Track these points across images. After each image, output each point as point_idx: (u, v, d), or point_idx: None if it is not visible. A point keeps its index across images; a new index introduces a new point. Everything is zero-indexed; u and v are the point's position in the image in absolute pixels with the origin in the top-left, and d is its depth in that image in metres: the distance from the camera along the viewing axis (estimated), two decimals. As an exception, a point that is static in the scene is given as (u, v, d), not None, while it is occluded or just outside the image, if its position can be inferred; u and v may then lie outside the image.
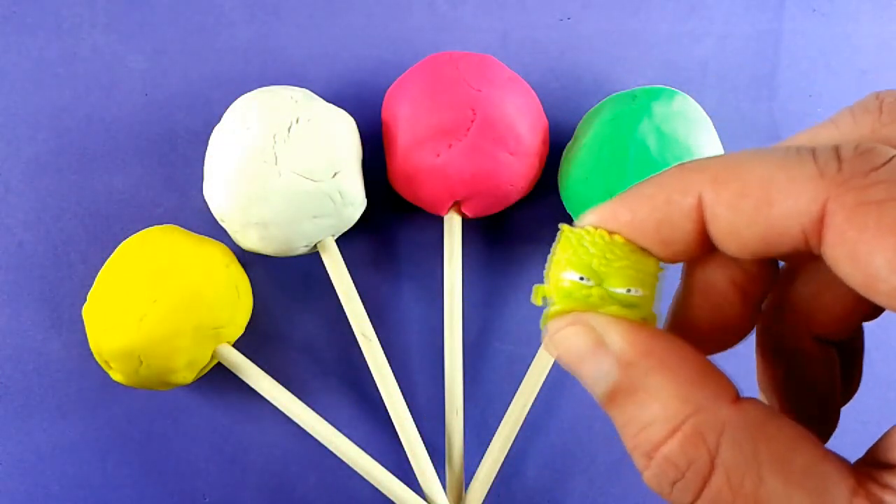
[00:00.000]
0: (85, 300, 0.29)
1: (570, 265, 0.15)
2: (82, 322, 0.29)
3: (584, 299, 0.15)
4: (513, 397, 0.30)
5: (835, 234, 0.12)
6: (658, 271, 0.15)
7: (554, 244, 0.16)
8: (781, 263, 0.17)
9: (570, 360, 0.15)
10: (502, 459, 0.30)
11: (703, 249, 0.14)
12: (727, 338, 0.16)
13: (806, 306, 0.16)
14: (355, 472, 0.30)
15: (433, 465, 0.30)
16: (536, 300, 0.16)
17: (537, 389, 0.30)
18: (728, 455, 0.13)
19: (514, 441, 0.30)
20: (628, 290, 0.15)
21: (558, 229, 0.15)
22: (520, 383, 0.30)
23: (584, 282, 0.15)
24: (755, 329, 0.17)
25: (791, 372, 0.17)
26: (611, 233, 0.15)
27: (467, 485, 0.31)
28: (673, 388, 0.13)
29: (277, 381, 0.30)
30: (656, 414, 0.13)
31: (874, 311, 0.16)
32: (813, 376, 0.17)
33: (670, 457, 0.13)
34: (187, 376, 0.29)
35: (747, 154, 0.13)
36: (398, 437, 0.30)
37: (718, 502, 0.13)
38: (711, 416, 0.13)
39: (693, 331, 0.16)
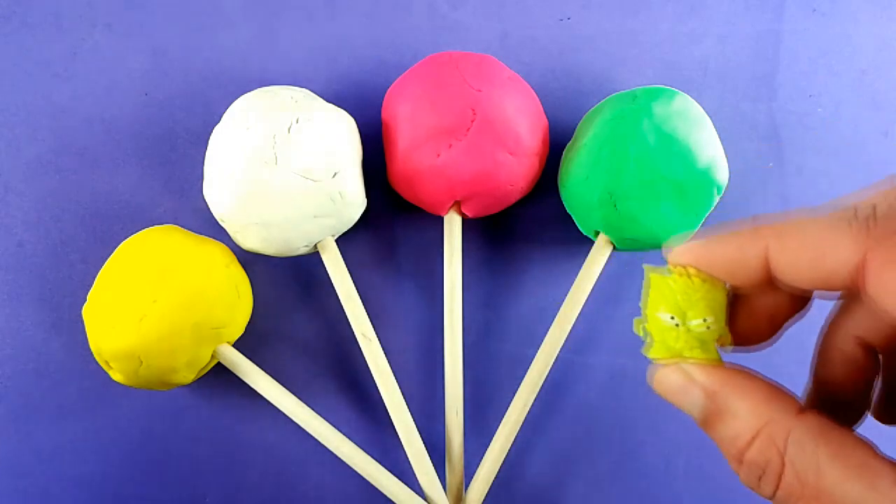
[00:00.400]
0: (85, 300, 0.29)
1: (662, 305, 0.20)
2: (82, 322, 0.29)
3: (674, 344, 0.20)
4: (513, 397, 0.30)
5: (874, 279, 0.16)
6: (725, 296, 0.20)
7: (644, 283, 0.20)
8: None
9: (669, 393, 0.20)
10: (502, 459, 0.30)
11: (761, 283, 0.18)
12: (752, 342, 0.21)
13: (855, 314, 0.20)
14: (355, 472, 0.30)
15: (433, 465, 0.30)
16: (638, 331, 0.21)
17: (537, 389, 0.30)
18: (793, 454, 0.17)
19: (514, 441, 0.30)
20: (704, 320, 0.19)
21: (643, 270, 0.21)
22: (520, 383, 0.30)
23: (672, 321, 0.20)
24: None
25: (827, 364, 0.21)
26: (686, 269, 0.20)
27: (467, 485, 0.31)
28: (749, 407, 0.18)
29: (277, 381, 0.30)
30: (739, 428, 0.18)
31: None
32: (846, 373, 0.21)
33: (752, 459, 0.18)
34: (187, 376, 0.29)
35: (805, 213, 0.18)
36: (398, 437, 0.30)
37: (792, 491, 0.17)
38: (779, 426, 0.17)
39: (730, 329, 0.21)
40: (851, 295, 0.19)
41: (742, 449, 0.18)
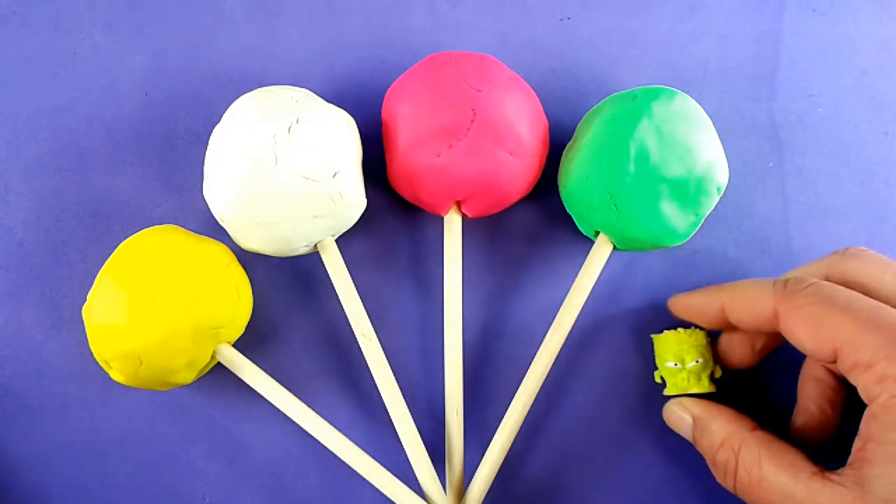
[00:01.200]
0: (85, 300, 0.29)
1: (667, 356, 0.30)
2: (82, 322, 0.29)
3: (679, 382, 0.30)
4: (513, 397, 0.30)
5: (783, 322, 0.25)
6: (707, 340, 0.30)
7: (654, 343, 0.31)
8: None
9: (672, 422, 0.30)
10: (502, 459, 0.30)
11: (722, 325, 0.29)
12: (743, 366, 0.30)
13: None
14: (355, 472, 0.30)
15: (433, 465, 0.30)
16: (657, 379, 0.31)
17: (537, 389, 0.30)
18: (743, 455, 0.25)
19: (514, 441, 0.30)
20: (696, 361, 0.29)
21: (650, 338, 0.32)
22: (520, 383, 0.30)
23: (676, 367, 0.30)
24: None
25: (805, 385, 0.29)
26: (676, 328, 0.30)
27: (467, 485, 0.31)
28: (718, 426, 0.27)
29: (277, 381, 0.30)
30: (713, 439, 0.27)
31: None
32: (818, 393, 0.29)
33: (720, 460, 0.27)
34: (187, 376, 0.29)
35: (747, 282, 0.28)
36: (398, 437, 0.30)
37: (743, 481, 0.25)
38: (736, 437, 0.26)
39: (726, 359, 0.31)
40: (778, 333, 0.27)
41: (714, 453, 0.27)
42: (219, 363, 0.30)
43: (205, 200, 0.31)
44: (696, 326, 0.31)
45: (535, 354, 0.31)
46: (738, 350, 0.30)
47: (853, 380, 0.23)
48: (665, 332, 0.31)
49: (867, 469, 0.22)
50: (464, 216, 0.32)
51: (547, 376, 0.30)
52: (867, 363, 0.22)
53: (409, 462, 0.30)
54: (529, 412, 0.30)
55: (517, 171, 0.30)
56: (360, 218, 0.31)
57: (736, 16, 0.36)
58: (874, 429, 0.22)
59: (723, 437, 0.26)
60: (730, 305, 0.27)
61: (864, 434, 0.23)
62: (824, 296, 0.24)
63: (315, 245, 0.31)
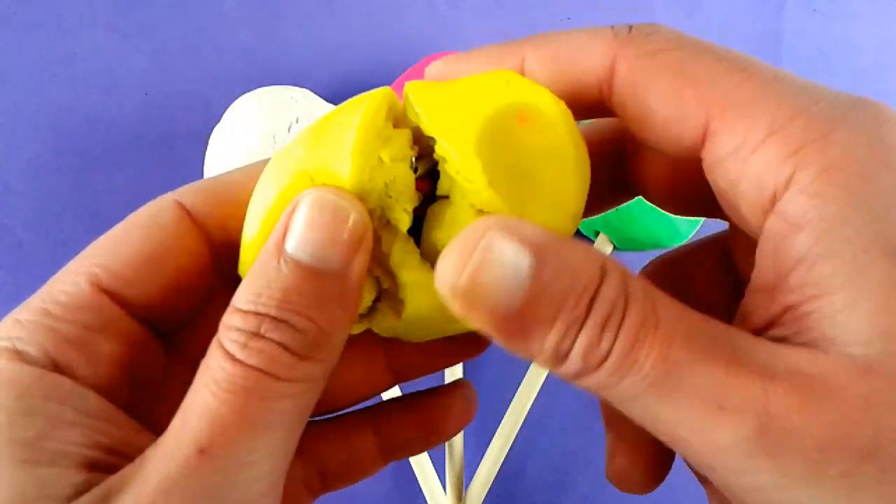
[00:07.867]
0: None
1: None
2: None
3: None
4: (513, 397, 0.30)
5: (619, 80, 0.16)
6: None
7: None
8: None
9: (491, 280, 0.15)
10: (502, 459, 0.30)
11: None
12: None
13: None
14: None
15: (433, 465, 0.30)
16: None
17: (537, 389, 0.30)
18: (639, 295, 0.13)
19: (514, 441, 0.30)
20: None
21: None
22: (520, 383, 0.30)
23: None
24: None
25: None
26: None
27: (467, 485, 0.31)
28: (585, 251, 0.15)
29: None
30: (583, 269, 0.14)
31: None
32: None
33: (604, 297, 0.14)
34: None
35: (562, 31, 0.18)
36: (398, 437, 0.30)
37: (637, 336, 0.13)
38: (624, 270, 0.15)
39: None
40: (597, 108, 0.17)
41: (592, 291, 0.14)
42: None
43: (205, 200, 0.31)
44: None
45: (535, 354, 0.31)
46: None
47: (733, 173, 0.14)
48: None
49: (829, 321, 0.12)
50: (464, 216, 0.32)
51: (547, 376, 0.30)
52: (767, 131, 0.14)
53: (409, 462, 0.30)
54: (529, 412, 0.30)
55: (517, 171, 0.30)
56: (360, 218, 0.31)
57: (736, 16, 0.36)
58: (802, 243, 0.13)
59: (602, 263, 0.13)
60: (536, 58, 0.17)
61: (777, 272, 0.13)
62: (690, 40, 0.16)
63: (315, 245, 0.31)
